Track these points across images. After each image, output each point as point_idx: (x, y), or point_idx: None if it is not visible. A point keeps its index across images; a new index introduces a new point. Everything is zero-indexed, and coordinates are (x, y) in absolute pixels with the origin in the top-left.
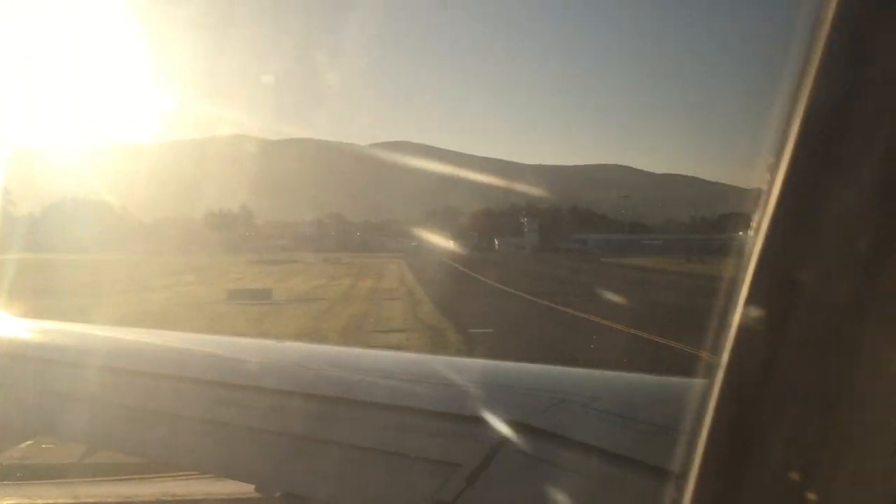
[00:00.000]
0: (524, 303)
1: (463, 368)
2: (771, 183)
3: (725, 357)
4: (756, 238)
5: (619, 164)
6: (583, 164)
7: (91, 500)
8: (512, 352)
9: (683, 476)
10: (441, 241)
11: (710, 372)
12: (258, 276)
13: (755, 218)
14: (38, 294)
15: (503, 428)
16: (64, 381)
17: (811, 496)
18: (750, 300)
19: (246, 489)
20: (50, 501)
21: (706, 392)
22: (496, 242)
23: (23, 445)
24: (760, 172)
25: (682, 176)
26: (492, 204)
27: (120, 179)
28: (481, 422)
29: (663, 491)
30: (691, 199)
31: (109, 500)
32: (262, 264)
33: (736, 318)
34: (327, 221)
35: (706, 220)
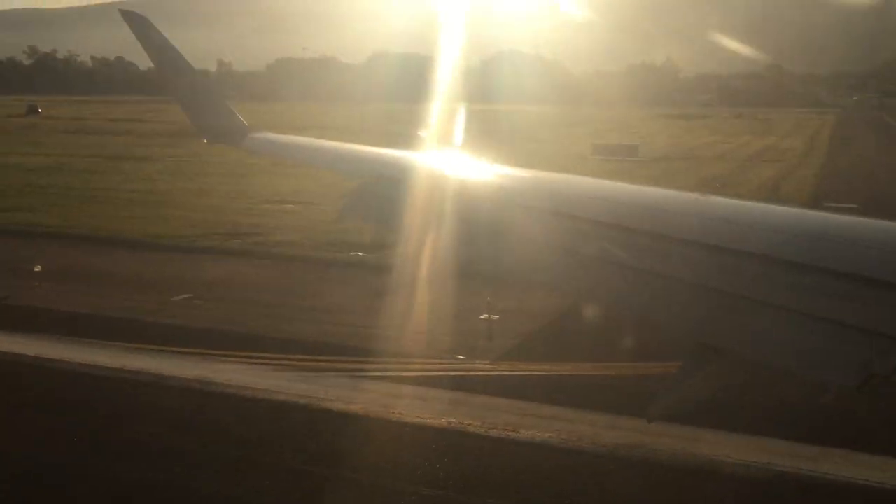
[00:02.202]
0: None
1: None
2: None
3: None
4: None
5: None
6: None
7: None
8: None
9: None
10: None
11: None
12: (651, 130)
13: None
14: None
15: None
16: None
17: None
18: None
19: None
20: None
21: None
22: None
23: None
24: None
25: None
26: None
27: (553, 32)
28: None
29: None
30: None
31: None
32: (664, 118)
33: None
34: (764, 74)
35: None
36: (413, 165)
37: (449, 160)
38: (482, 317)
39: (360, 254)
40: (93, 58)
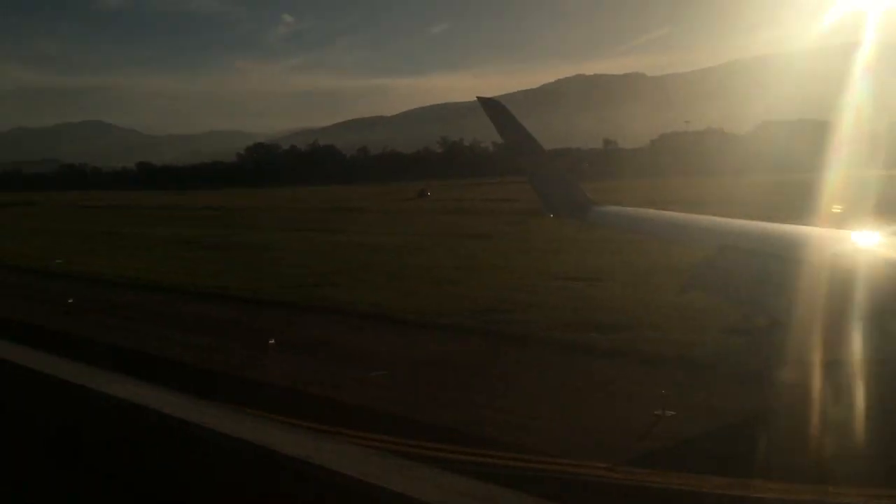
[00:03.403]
0: None
1: None
2: None
3: None
4: None
5: None
6: None
7: None
8: None
9: None
10: None
11: None
12: None
13: None
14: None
15: None
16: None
17: None
18: None
19: None
20: None
21: None
22: None
23: None
24: None
25: None
26: None
27: None
28: None
29: None
30: None
31: None
32: None
33: None
34: None
35: None
36: (783, 238)
37: (836, 234)
38: (656, 412)
39: (593, 335)
40: (493, 143)
